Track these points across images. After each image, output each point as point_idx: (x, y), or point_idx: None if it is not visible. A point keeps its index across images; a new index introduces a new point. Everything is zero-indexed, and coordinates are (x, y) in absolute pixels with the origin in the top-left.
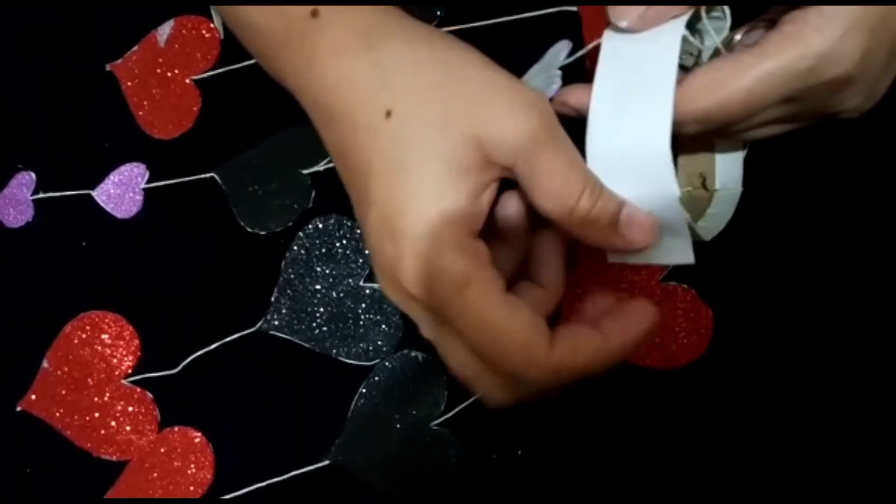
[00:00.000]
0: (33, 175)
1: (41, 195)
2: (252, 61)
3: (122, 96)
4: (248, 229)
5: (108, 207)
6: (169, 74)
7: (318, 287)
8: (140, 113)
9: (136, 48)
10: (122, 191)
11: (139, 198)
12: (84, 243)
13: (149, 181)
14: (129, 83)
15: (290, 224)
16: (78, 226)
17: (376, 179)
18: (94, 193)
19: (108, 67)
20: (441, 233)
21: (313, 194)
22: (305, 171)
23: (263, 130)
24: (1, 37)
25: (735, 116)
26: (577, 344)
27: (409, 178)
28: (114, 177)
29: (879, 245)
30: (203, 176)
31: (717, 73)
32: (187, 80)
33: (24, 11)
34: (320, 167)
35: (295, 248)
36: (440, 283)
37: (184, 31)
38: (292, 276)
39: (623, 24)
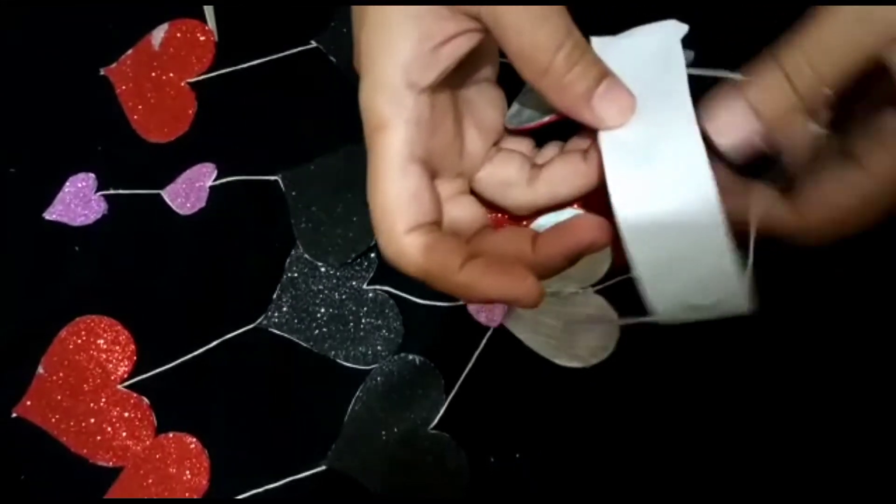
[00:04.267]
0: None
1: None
2: (247, 63)
3: (116, 100)
4: (304, 255)
5: (175, 205)
6: (164, 78)
7: (320, 287)
8: (135, 117)
9: (130, 52)
10: (189, 188)
11: (204, 195)
12: (77, 248)
13: (147, 185)
14: (123, 87)
15: (349, 261)
16: (72, 231)
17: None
18: (163, 193)
19: (102, 72)
20: (383, 72)
21: None
22: None
23: (261, 132)
24: None
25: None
26: (429, 250)
27: (377, 28)
28: (185, 175)
29: None
30: (269, 178)
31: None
32: (182, 84)
33: (17, 16)
34: None
35: (300, 247)
36: (365, 118)
37: (178, 35)
38: (296, 274)
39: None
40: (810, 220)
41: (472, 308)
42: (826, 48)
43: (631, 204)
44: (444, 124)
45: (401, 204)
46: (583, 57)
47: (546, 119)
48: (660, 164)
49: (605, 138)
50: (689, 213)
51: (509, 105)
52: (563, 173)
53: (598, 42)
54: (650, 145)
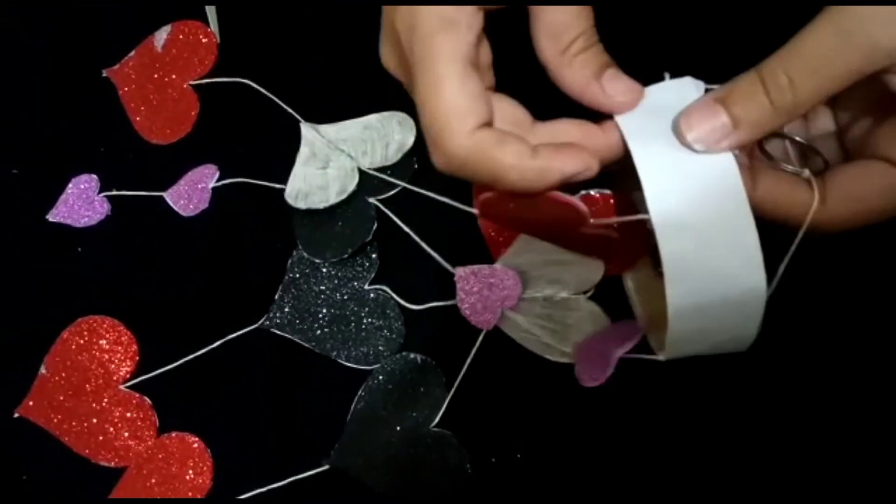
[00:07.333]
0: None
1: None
2: (249, 65)
3: (119, 102)
4: (305, 255)
5: (178, 206)
6: (166, 79)
7: (322, 288)
8: (137, 118)
9: (132, 53)
10: (191, 189)
11: (206, 196)
12: (79, 249)
13: (150, 186)
14: (125, 89)
15: (346, 255)
16: (75, 232)
17: None
18: (166, 194)
19: (104, 73)
20: None
21: (375, 226)
22: (372, 199)
23: (263, 135)
24: None
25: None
26: (501, 142)
27: None
28: (187, 177)
29: None
30: (278, 186)
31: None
32: (185, 85)
33: (20, 17)
34: (381, 200)
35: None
36: (421, 21)
37: (181, 36)
38: (297, 275)
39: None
40: (838, 214)
41: (465, 311)
42: (804, 61)
43: (679, 281)
44: (486, 44)
45: (470, 103)
46: (596, 44)
47: None
48: (706, 223)
49: (650, 193)
50: (735, 284)
51: None
52: (567, 127)
53: None
54: (701, 213)
